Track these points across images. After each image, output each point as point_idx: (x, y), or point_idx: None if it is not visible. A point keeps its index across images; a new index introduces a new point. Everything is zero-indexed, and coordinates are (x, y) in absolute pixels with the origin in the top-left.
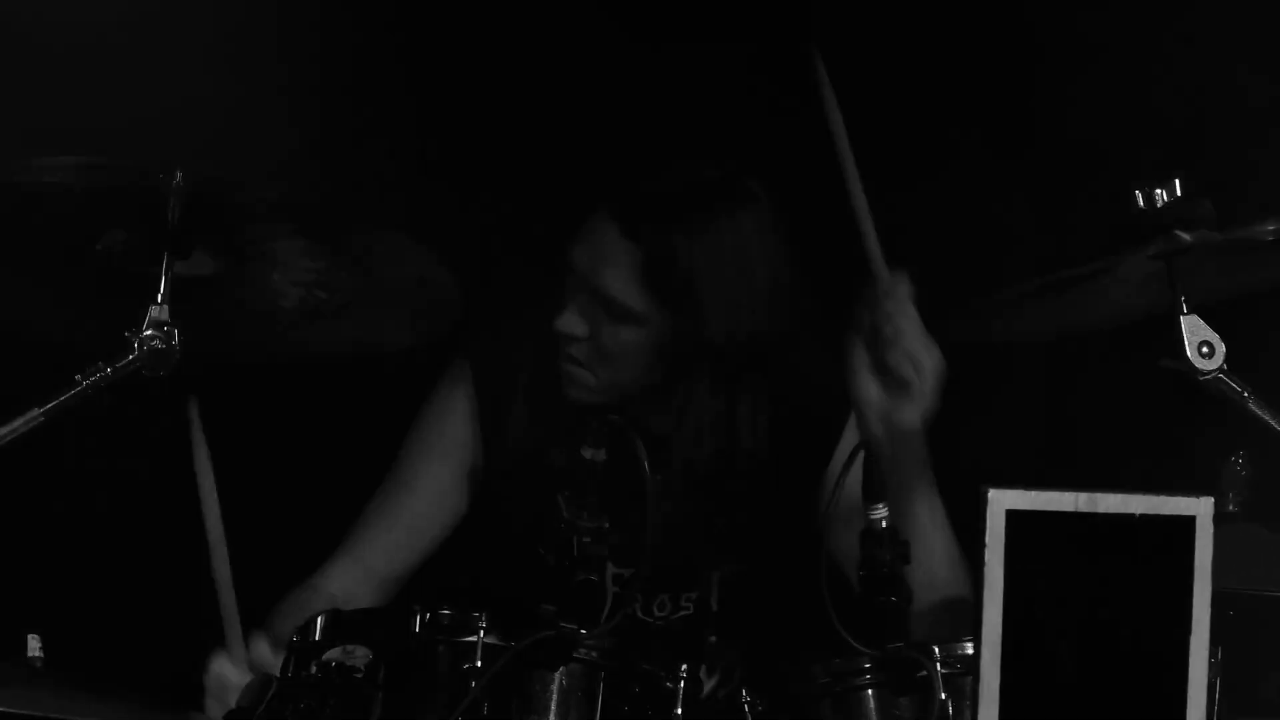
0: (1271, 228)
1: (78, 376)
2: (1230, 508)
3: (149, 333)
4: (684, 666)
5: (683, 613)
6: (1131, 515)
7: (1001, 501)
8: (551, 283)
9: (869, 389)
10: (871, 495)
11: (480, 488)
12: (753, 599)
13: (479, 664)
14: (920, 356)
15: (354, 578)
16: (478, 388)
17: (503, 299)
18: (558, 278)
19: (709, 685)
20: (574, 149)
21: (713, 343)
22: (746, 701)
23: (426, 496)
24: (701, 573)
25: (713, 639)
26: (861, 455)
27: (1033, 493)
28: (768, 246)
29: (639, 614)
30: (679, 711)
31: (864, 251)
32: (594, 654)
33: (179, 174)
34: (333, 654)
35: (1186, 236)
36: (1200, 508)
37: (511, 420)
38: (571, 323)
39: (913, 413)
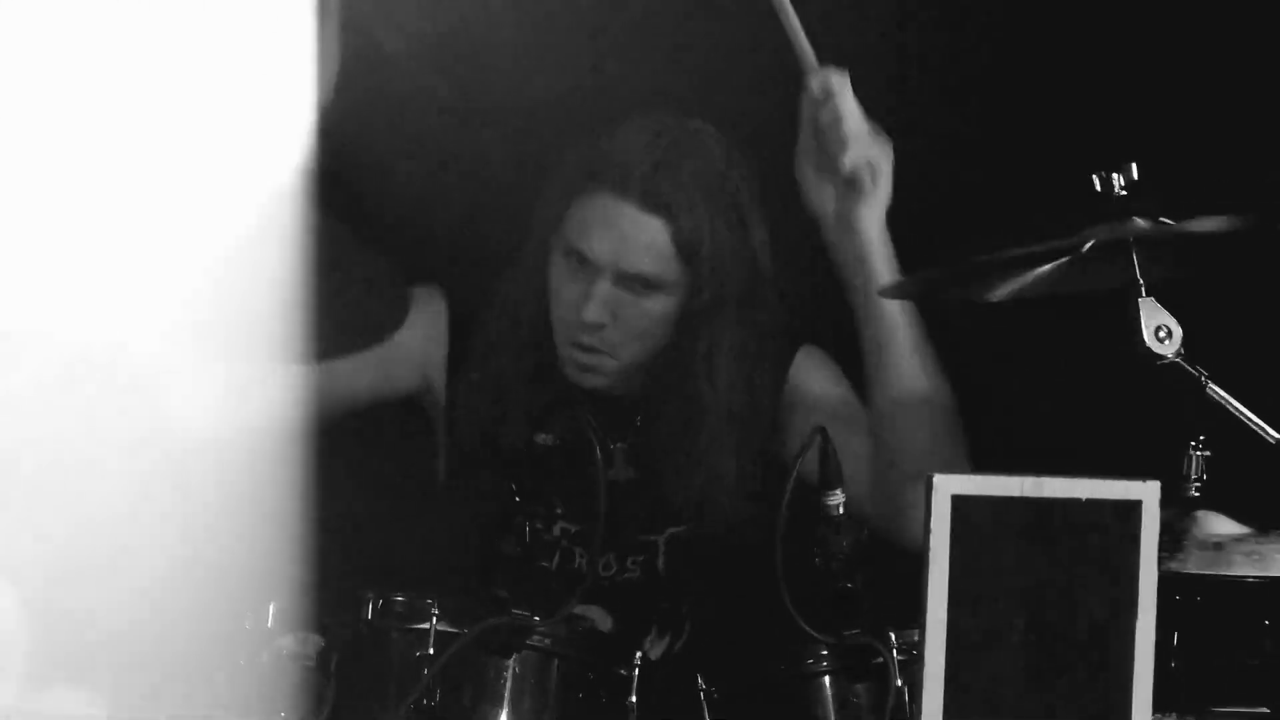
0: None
1: None
2: (1190, 493)
3: None
4: (638, 654)
5: (628, 574)
6: (1078, 499)
7: (946, 486)
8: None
9: (823, 196)
10: (827, 482)
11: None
12: (699, 561)
13: (431, 651)
14: (872, 154)
15: None
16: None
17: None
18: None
19: (660, 647)
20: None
21: (722, 291)
22: (703, 690)
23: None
24: (650, 536)
25: (663, 605)
26: (818, 441)
27: (978, 477)
28: (735, 179)
29: (583, 569)
30: (633, 699)
31: (794, 49)
32: (548, 641)
33: None
34: (285, 642)
35: (1143, 223)
36: (1146, 492)
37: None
38: (597, 312)
39: (871, 213)
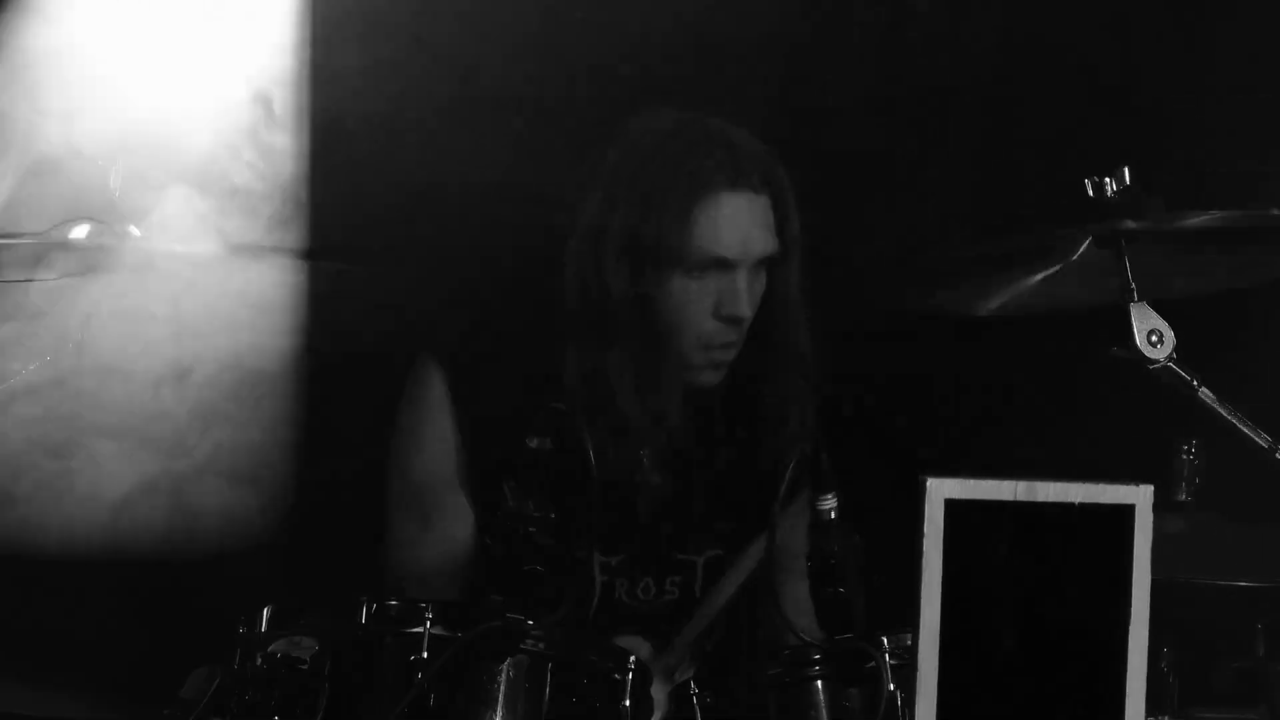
0: (1215, 215)
1: None
2: (1183, 496)
3: None
4: (631, 658)
5: (667, 597)
6: (1071, 504)
7: (940, 490)
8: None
9: None
10: (819, 486)
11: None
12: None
13: (425, 655)
14: None
15: None
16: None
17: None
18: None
19: (689, 672)
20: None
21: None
22: (695, 694)
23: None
24: (687, 557)
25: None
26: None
27: (971, 481)
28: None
29: (623, 598)
30: (626, 703)
31: None
32: (541, 645)
33: None
34: (278, 645)
35: (1133, 224)
36: (1139, 496)
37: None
38: (749, 304)
39: None
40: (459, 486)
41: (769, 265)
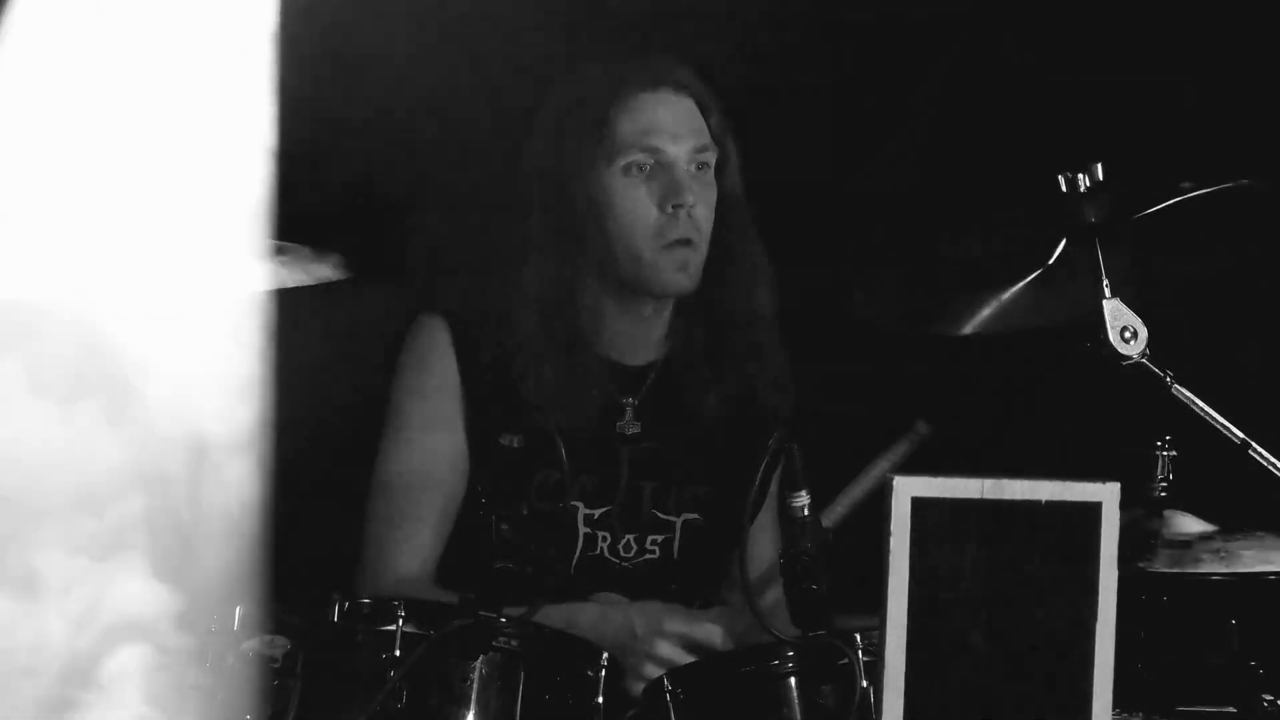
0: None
1: None
2: (1157, 493)
3: None
4: (604, 655)
5: (648, 556)
6: (1038, 501)
7: (907, 488)
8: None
9: None
10: (792, 484)
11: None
12: (713, 550)
13: (398, 653)
14: None
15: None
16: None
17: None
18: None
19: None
20: None
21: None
22: (669, 690)
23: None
24: (667, 517)
25: (673, 587)
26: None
27: (938, 479)
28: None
29: (605, 553)
30: (599, 700)
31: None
32: (514, 643)
33: None
34: (251, 644)
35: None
36: (1106, 493)
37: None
38: (690, 192)
39: None
40: (458, 434)
41: (711, 171)
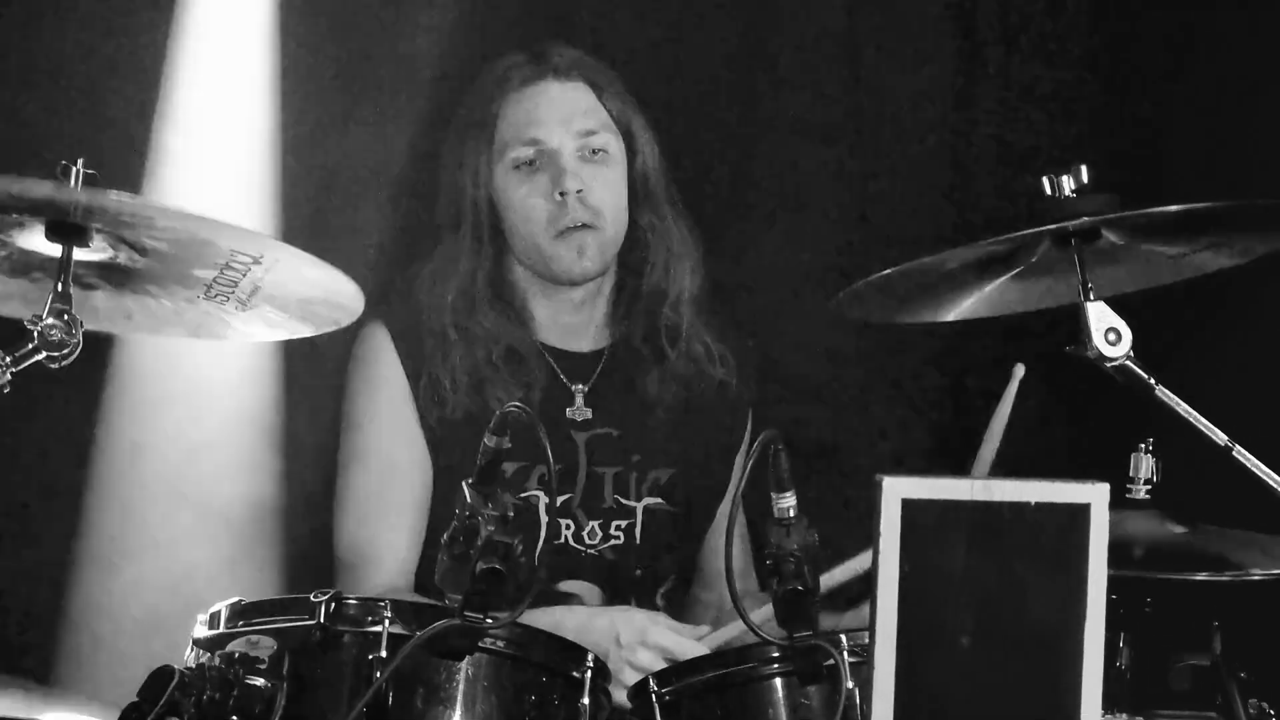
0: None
1: None
2: (1139, 495)
3: (49, 321)
4: (590, 656)
5: (613, 541)
6: (1027, 503)
7: (896, 489)
8: None
9: None
10: (778, 484)
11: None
12: (673, 533)
13: (384, 654)
14: None
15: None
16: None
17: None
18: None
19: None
20: None
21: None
22: (654, 691)
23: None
24: (629, 503)
25: (638, 573)
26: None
27: (928, 480)
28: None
29: (569, 541)
30: (585, 701)
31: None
32: (500, 643)
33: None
34: (236, 645)
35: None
36: (1095, 495)
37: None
38: (574, 178)
39: None
40: (416, 443)
41: (616, 156)
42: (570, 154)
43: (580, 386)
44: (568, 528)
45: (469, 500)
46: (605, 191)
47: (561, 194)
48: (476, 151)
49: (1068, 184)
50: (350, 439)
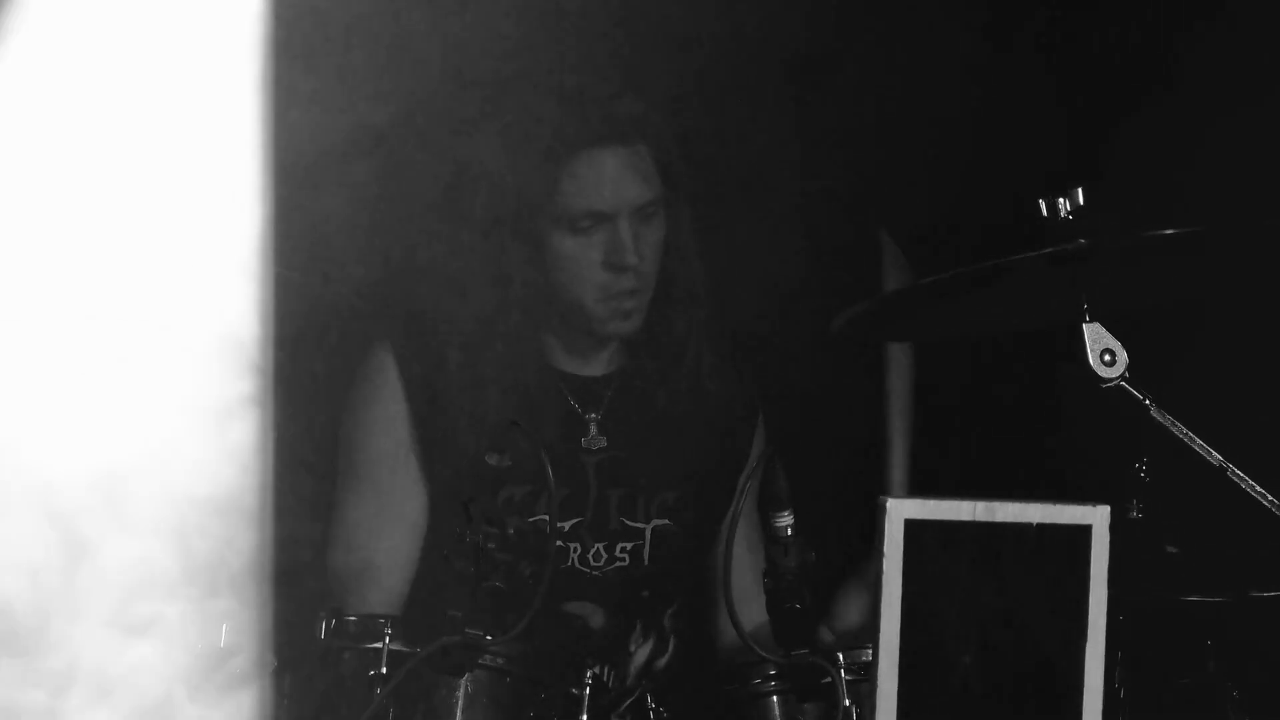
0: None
1: None
2: (1134, 515)
3: None
4: (589, 673)
5: (618, 563)
6: (1029, 524)
7: (900, 511)
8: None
9: None
10: (776, 503)
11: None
12: (682, 555)
13: (384, 670)
14: None
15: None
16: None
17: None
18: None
19: (645, 651)
20: None
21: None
22: (652, 709)
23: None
24: (636, 524)
25: (645, 594)
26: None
27: (931, 502)
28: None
29: (576, 564)
30: (584, 718)
31: None
32: (500, 660)
33: None
34: (238, 661)
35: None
36: (1096, 516)
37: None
38: (634, 252)
39: None
40: (412, 464)
41: (661, 209)
42: (627, 222)
43: (593, 415)
44: (575, 550)
45: (471, 518)
46: (652, 252)
47: (616, 265)
48: (530, 201)
49: (1064, 206)
50: (346, 459)
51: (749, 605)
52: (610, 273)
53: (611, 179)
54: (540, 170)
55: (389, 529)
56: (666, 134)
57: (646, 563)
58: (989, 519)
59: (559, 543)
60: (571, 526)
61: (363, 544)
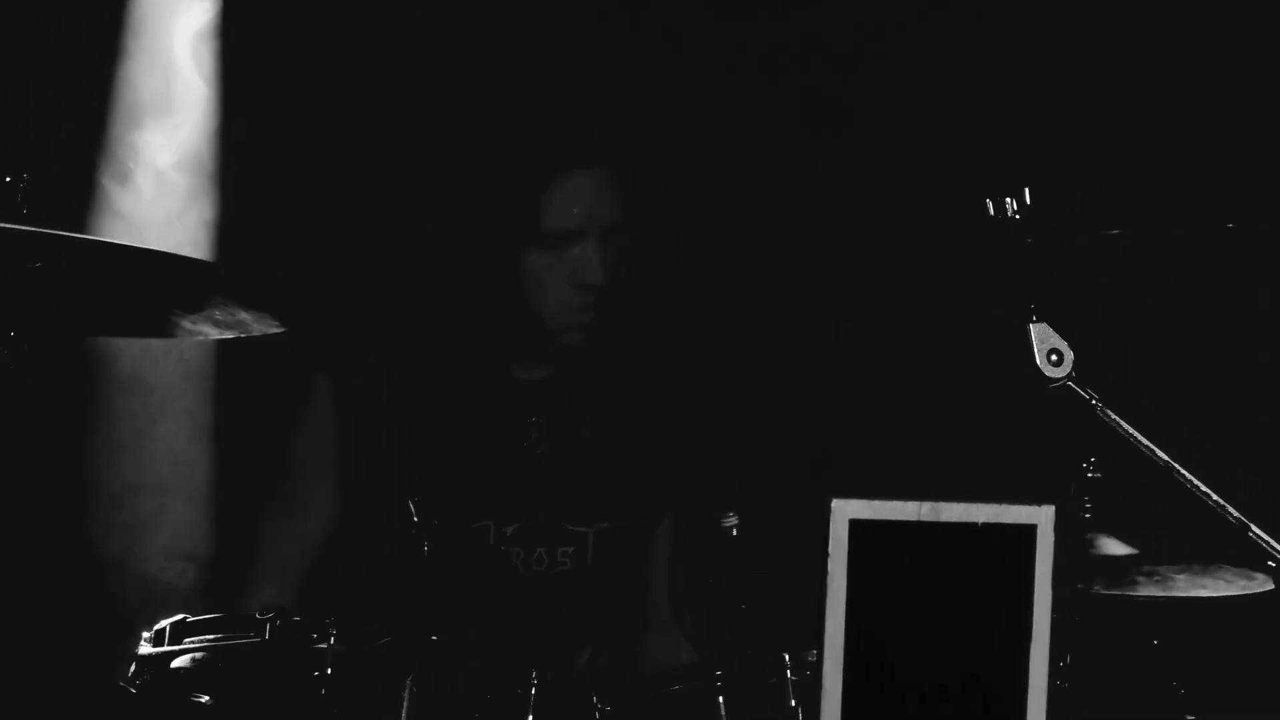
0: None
1: None
2: (1082, 514)
3: None
4: (534, 673)
5: (560, 567)
6: (974, 524)
7: (844, 511)
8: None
9: None
10: (722, 504)
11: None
12: (626, 557)
13: (329, 671)
14: None
15: None
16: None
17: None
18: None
19: (588, 654)
20: None
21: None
22: (598, 708)
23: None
24: (577, 529)
25: (588, 596)
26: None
27: (876, 502)
28: None
29: (519, 567)
30: (530, 718)
31: None
32: (445, 661)
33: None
34: (181, 662)
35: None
36: (1041, 516)
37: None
38: (601, 272)
39: None
40: (330, 477)
41: (614, 232)
42: (594, 241)
43: (534, 419)
44: (517, 556)
45: (416, 516)
46: (611, 270)
47: (586, 284)
48: (502, 220)
49: (1010, 206)
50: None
51: (695, 606)
52: (575, 288)
53: (589, 200)
54: (515, 187)
55: (295, 536)
56: (630, 159)
57: (589, 565)
58: (934, 519)
59: (501, 547)
60: (513, 531)
61: (270, 546)
